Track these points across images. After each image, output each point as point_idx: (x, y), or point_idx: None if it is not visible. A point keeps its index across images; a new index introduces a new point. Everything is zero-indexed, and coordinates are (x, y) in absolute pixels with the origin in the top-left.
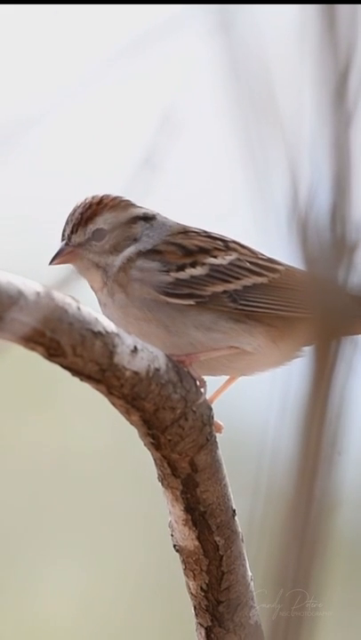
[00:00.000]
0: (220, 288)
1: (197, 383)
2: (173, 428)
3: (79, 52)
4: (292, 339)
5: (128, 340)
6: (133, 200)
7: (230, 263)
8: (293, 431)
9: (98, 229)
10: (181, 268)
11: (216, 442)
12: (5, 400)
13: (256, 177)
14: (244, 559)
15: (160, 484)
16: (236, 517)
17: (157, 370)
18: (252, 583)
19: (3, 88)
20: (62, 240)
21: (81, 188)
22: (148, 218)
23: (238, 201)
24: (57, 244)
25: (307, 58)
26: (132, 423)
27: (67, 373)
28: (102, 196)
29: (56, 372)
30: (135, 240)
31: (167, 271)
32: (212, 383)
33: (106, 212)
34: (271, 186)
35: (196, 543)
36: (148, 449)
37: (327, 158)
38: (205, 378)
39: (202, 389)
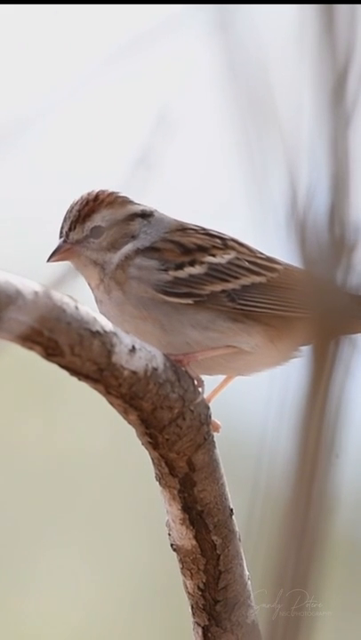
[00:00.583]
0: (218, 287)
1: (195, 382)
2: (171, 427)
3: (78, 52)
4: (290, 338)
5: (126, 339)
6: (130, 196)
7: (229, 262)
8: (291, 430)
9: (95, 227)
10: (180, 266)
11: (214, 441)
12: (5, 400)
13: (254, 177)
14: (242, 558)
15: (157, 483)
16: (233, 517)
17: (155, 369)
18: (249, 582)
19: (0, 88)
20: (60, 237)
21: (77, 188)
22: (145, 215)
23: (236, 200)
24: (55, 242)
25: (305, 58)
26: (129, 422)
27: (65, 373)
28: (98, 193)
29: (56, 372)
30: (133, 237)
31: (166, 270)
32: (209, 382)
33: (103, 209)
34: (269, 185)
35: (194, 542)
36: (146, 448)
37: (325, 158)
38: (203, 377)
39: (200, 389)
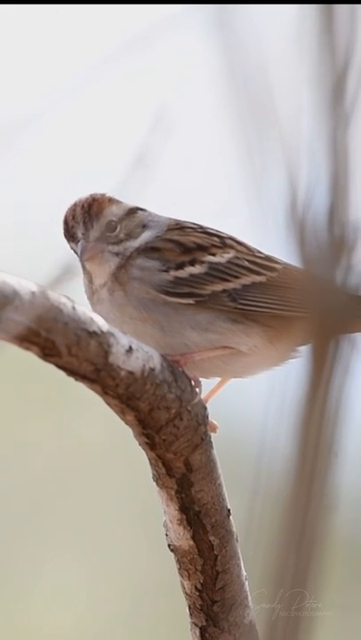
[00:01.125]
0: (219, 287)
1: (192, 383)
2: (168, 427)
3: (77, 52)
4: (289, 338)
5: (123, 339)
6: (117, 197)
7: (229, 261)
8: (291, 430)
9: (108, 222)
10: (180, 266)
11: (211, 441)
12: (5, 400)
13: (253, 176)
14: (239, 559)
15: (155, 483)
16: (230, 517)
17: (152, 369)
18: (246, 583)
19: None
20: (76, 241)
21: (77, 188)
22: (140, 208)
23: (235, 199)
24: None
25: (305, 58)
26: (126, 423)
27: (62, 373)
28: (92, 195)
29: (55, 372)
30: (145, 226)
31: (167, 270)
32: (206, 383)
33: (108, 207)
34: (268, 185)
35: (191, 543)
36: (143, 448)
37: (325, 158)
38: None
39: (197, 389)
